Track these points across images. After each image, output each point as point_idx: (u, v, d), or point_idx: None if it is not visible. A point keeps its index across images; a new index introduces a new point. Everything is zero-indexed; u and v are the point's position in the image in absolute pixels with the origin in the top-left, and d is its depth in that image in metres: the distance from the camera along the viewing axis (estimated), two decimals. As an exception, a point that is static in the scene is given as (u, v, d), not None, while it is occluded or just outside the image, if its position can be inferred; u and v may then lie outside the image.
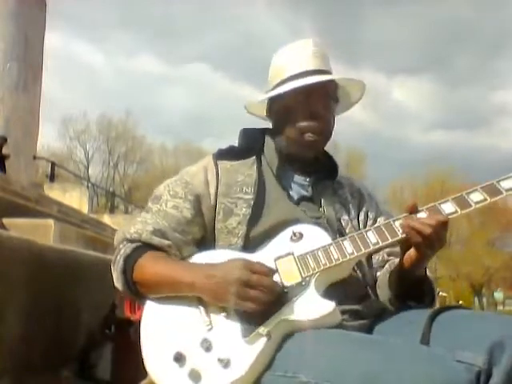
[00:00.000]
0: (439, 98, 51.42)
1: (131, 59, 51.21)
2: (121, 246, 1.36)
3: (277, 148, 1.49)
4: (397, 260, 1.36)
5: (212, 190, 1.39)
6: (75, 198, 12.01)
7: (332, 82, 1.46)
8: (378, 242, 1.24)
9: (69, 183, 15.25)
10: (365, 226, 1.47)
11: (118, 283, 1.35)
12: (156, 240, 1.34)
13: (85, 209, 11.87)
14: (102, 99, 46.93)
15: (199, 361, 1.16)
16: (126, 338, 2.38)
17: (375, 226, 1.28)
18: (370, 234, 1.25)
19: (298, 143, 1.44)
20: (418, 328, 1.18)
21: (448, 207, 1.23)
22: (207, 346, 1.17)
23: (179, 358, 1.18)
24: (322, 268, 1.23)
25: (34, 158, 8.69)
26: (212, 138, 47.34)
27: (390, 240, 1.24)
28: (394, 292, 1.36)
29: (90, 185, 21.66)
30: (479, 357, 1.04)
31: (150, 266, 1.30)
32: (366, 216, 1.51)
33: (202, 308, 1.23)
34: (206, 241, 1.39)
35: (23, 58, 7.91)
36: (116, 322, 2.52)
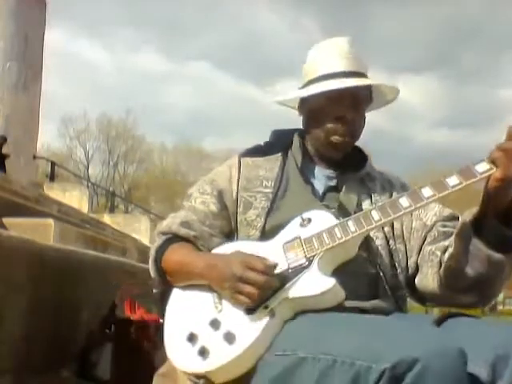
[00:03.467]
0: (443, 97, 51.38)
1: (133, 57, 51.19)
2: (156, 238, 1.47)
3: (301, 146, 1.52)
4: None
5: (234, 186, 1.48)
6: (75, 198, 12.00)
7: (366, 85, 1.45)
8: (380, 219, 1.24)
9: (69, 183, 15.23)
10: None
11: (151, 272, 1.45)
12: (183, 231, 1.43)
13: (85, 208, 11.86)
14: (103, 98, 46.92)
15: (208, 339, 1.23)
16: (126, 337, 2.38)
17: (380, 204, 1.28)
18: (373, 212, 1.25)
19: (325, 145, 1.47)
20: None
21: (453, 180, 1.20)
22: (216, 325, 1.24)
23: (192, 338, 1.25)
24: (325, 247, 1.24)
25: (34, 157, 8.70)
26: (213, 137, 47.46)
27: (393, 216, 1.23)
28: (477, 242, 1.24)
29: (89, 184, 21.68)
30: (482, 369, 1.03)
31: (173, 256, 1.41)
32: None
33: (214, 292, 1.30)
34: (233, 233, 1.47)
35: (23, 58, 7.92)
36: (116, 322, 2.52)
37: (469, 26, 51.60)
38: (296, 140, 1.54)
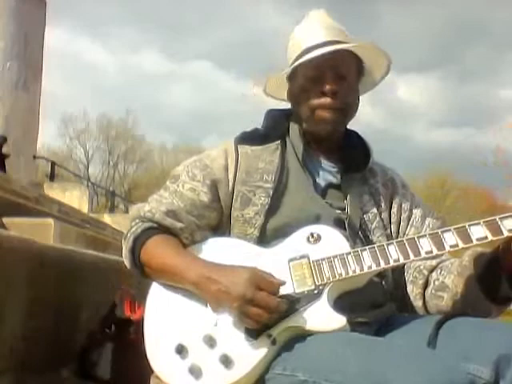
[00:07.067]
0: (445, 96, 51.28)
1: (133, 57, 51.17)
2: (133, 223, 1.35)
3: (301, 131, 1.42)
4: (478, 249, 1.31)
5: (230, 176, 1.36)
6: (75, 198, 12.01)
7: (349, 53, 1.38)
8: (398, 259, 1.18)
9: (69, 183, 15.23)
10: (398, 219, 1.43)
11: (125, 260, 1.33)
12: (168, 221, 1.31)
13: (85, 208, 11.86)
14: (103, 98, 46.92)
15: (201, 356, 1.15)
16: (126, 337, 2.38)
17: (398, 240, 1.22)
18: (391, 248, 1.18)
19: (311, 122, 1.38)
20: (425, 334, 1.15)
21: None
22: (211, 342, 1.16)
23: (181, 351, 1.17)
24: (337, 278, 1.18)
25: (34, 157, 8.71)
26: (213, 137, 47.39)
27: (412, 258, 1.18)
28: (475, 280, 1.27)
29: (89, 184, 21.64)
30: (484, 369, 1.02)
31: (157, 251, 1.28)
32: (400, 208, 1.44)
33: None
34: (221, 226, 1.36)
35: (23, 57, 7.92)
36: (116, 322, 2.52)
37: (471, 26, 51.53)
38: (294, 126, 1.43)
